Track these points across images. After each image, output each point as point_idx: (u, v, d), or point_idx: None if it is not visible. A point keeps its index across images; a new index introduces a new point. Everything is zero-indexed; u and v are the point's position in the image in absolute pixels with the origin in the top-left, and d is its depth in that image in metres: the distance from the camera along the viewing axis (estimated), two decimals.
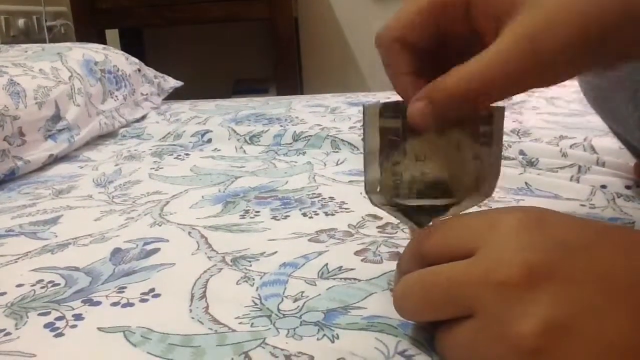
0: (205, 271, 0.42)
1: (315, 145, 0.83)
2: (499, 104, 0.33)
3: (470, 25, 0.32)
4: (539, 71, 0.29)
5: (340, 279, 0.40)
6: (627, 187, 0.59)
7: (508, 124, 0.87)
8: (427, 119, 0.32)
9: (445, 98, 0.31)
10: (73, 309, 0.37)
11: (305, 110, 1.10)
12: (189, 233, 0.50)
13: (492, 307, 0.25)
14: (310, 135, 0.85)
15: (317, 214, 0.54)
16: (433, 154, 0.34)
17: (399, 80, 0.34)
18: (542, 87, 0.32)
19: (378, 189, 0.35)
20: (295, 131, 0.87)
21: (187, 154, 0.83)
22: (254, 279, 0.40)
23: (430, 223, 0.35)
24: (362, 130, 0.35)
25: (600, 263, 0.25)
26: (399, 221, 0.38)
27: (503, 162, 0.69)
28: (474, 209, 0.35)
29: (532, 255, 0.25)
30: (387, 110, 0.34)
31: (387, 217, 0.47)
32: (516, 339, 0.24)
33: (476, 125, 0.34)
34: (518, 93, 0.31)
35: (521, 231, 0.26)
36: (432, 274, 0.29)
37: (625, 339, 0.23)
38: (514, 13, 0.29)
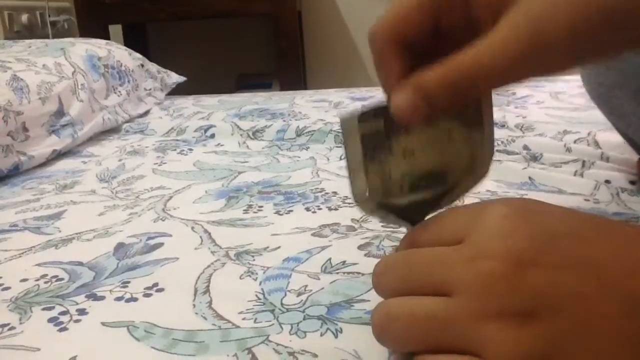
0: (208, 266, 0.42)
1: (318, 140, 0.83)
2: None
3: (469, 15, 0.31)
4: (539, 58, 0.28)
5: (344, 273, 0.40)
6: (632, 182, 0.58)
7: (512, 118, 0.87)
8: (418, 111, 0.29)
9: (438, 88, 0.29)
10: (77, 303, 0.38)
11: (309, 106, 1.10)
12: (192, 228, 0.50)
13: (473, 289, 0.25)
14: (313, 130, 0.85)
15: (320, 209, 0.54)
16: (422, 146, 0.32)
17: (391, 83, 0.31)
18: (544, 75, 0.29)
19: (366, 194, 0.32)
20: (298, 126, 0.87)
21: (190, 149, 0.83)
22: (257, 274, 0.41)
23: (425, 219, 0.34)
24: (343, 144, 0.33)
25: (589, 251, 0.25)
26: (393, 225, 0.37)
27: (506, 156, 0.69)
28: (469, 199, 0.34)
29: (515, 242, 0.25)
30: (366, 115, 0.31)
31: None
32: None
33: (466, 111, 0.32)
34: (518, 81, 0.29)
35: (505, 219, 0.26)
36: (417, 253, 0.29)
37: (615, 328, 0.23)
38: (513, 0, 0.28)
